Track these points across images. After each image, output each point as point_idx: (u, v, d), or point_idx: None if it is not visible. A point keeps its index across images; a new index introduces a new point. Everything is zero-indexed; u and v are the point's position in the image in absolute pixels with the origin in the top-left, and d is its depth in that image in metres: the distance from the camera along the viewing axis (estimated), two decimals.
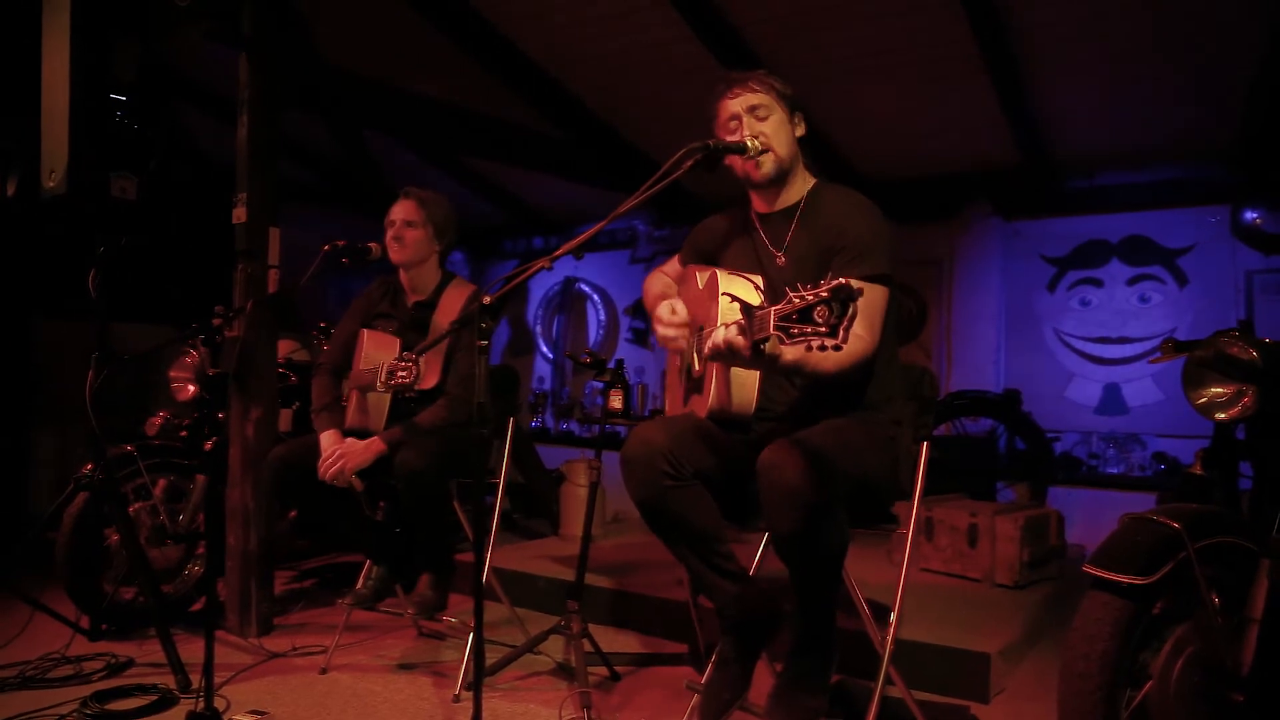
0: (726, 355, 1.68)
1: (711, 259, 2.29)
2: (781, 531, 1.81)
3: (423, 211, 2.98)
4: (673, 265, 2.45)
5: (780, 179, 2.12)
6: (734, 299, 1.71)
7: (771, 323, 1.49)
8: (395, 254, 2.98)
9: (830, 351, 1.42)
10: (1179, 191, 5.37)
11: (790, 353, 1.61)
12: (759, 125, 2.07)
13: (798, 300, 1.46)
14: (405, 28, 4.73)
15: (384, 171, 6.59)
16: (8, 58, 3.00)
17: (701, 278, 2.15)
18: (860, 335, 1.88)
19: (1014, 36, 4.30)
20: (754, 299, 1.90)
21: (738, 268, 2.15)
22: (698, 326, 2.12)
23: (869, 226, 2.03)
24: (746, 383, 1.99)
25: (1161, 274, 5.47)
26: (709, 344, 1.74)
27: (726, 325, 1.65)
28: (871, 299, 1.93)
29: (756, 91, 2.08)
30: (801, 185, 2.17)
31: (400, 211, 2.98)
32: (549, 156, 5.97)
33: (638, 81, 5.23)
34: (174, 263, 5.10)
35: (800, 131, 2.14)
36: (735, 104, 2.09)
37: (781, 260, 2.12)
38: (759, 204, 2.21)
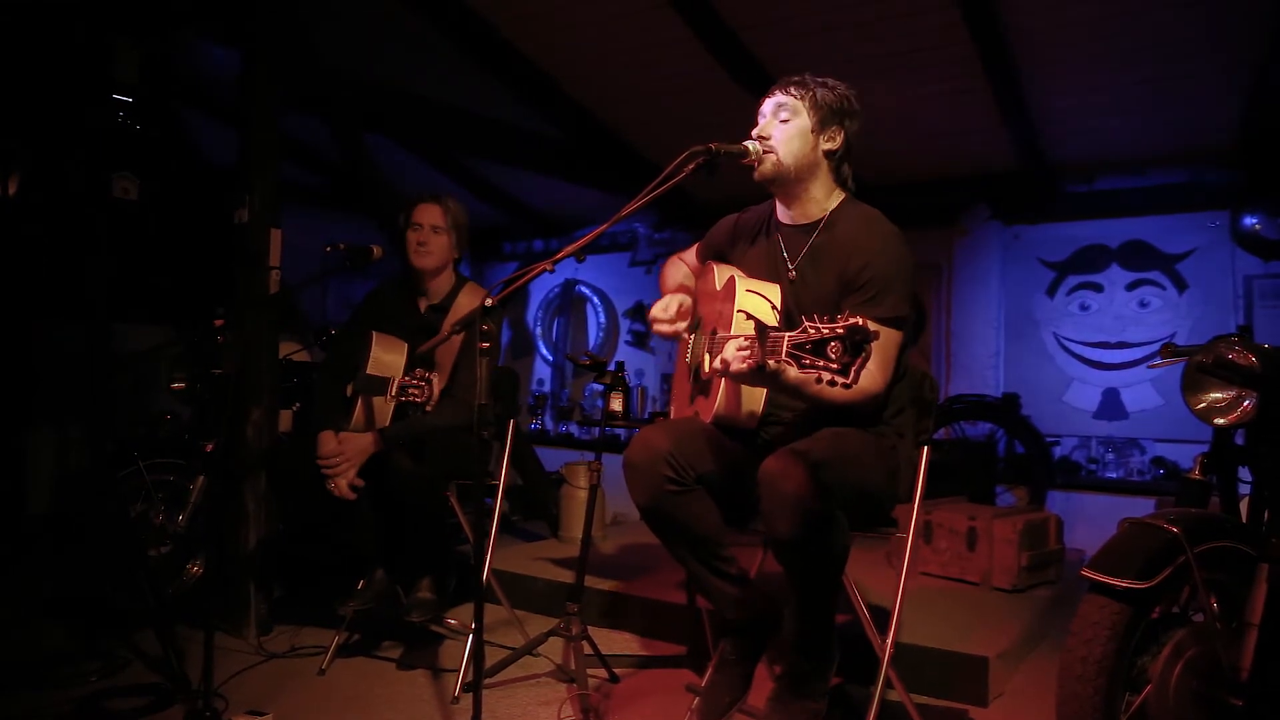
0: (735, 375, 1.69)
1: (728, 258, 2.26)
2: (782, 539, 1.81)
3: (448, 217, 2.93)
4: (691, 255, 2.41)
5: (782, 185, 2.09)
6: (749, 316, 1.72)
7: (784, 349, 1.49)
8: (418, 259, 2.90)
9: (840, 388, 1.43)
10: (1178, 196, 5.37)
11: (799, 379, 1.62)
12: (774, 126, 2.05)
13: (813, 331, 1.46)
14: (405, 30, 4.73)
15: (384, 174, 6.58)
16: (9, 60, 3.00)
17: (720, 277, 2.13)
18: (873, 373, 1.87)
19: (1012, 40, 4.30)
20: (769, 314, 1.91)
21: (756, 273, 2.13)
22: (711, 329, 2.12)
23: (888, 261, 1.96)
24: (754, 393, 2.00)
25: (1161, 279, 5.48)
26: (719, 360, 1.73)
27: (739, 345, 1.65)
28: (886, 341, 1.92)
29: (790, 95, 2.06)
30: (823, 200, 2.11)
31: (427, 215, 2.91)
32: (549, 158, 5.98)
33: (638, 83, 5.24)
34: (175, 263, 5.09)
35: (831, 146, 2.08)
36: (768, 102, 2.08)
37: (793, 275, 2.09)
38: (780, 212, 2.17)
